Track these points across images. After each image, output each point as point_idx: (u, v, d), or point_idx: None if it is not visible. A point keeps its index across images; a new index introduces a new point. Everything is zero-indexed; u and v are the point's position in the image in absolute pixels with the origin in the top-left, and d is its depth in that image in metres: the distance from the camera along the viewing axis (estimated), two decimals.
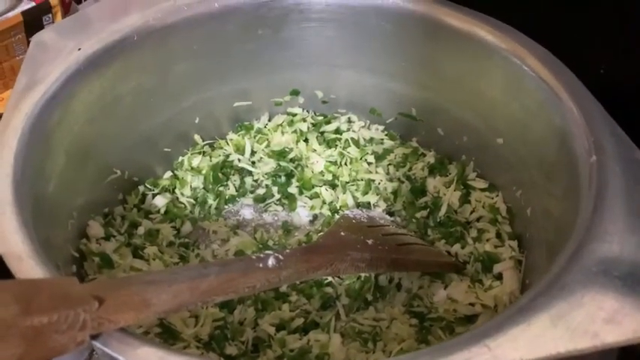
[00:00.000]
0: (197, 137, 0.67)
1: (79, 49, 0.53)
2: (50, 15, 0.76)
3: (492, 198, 0.60)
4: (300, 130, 0.68)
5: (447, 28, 0.58)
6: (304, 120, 0.69)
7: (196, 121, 0.66)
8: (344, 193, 0.64)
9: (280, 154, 0.66)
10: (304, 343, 0.50)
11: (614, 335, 0.33)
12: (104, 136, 0.57)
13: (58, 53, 0.52)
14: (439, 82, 0.62)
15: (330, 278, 0.55)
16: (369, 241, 0.52)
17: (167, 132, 0.64)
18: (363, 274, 0.55)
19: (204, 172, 0.65)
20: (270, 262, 0.41)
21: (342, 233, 0.52)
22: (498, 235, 0.58)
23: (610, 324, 0.33)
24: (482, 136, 0.61)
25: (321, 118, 0.70)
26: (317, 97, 0.69)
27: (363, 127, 0.70)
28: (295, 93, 0.69)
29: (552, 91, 0.50)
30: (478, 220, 0.60)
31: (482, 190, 0.61)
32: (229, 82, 0.66)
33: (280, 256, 0.42)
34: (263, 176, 0.66)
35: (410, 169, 0.65)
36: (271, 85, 0.68)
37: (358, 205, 0.63)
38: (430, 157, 0.65)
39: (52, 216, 0.48)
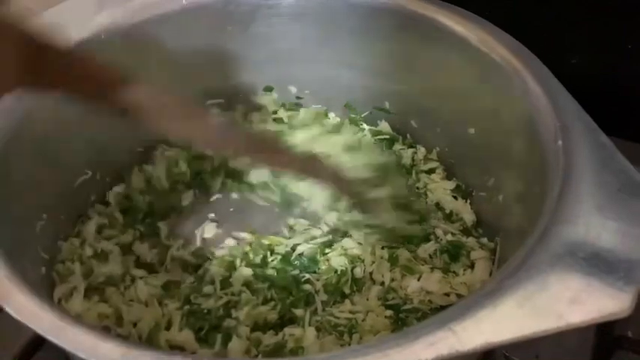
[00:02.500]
0: None
1: None
2: None
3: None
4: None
5: (416, 20, 0.58)
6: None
7: None
8: None
9: None
10: (279, 338, 0.49)
11: (578, 315, 0.33)
12: (73, 137, 0.56)
13: None
14: (411, 74, 0.62)
15: (307, 275, 0.55)
16: None
17: (139, 131, 0.63)
18: (339, 268, 0.54)
19: None
20: None
21: None
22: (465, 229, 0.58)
23: (575, 304, 0.34)
24: (454, 127, 0.61)
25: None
26: (291, 92, 0.69)
27: None
28: (269, 89, 0.69)
29: (520, 78, 0.51)
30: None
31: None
32: (201, 80, 0.65)
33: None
34: None
35: None
36: (244, 82, 0.68)
37: None
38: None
39: (19, 217, 0.48)
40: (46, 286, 0.51)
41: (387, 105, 0.67)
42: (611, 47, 0.66)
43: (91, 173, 0.59)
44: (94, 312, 0.50)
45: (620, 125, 0.60)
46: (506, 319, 0.33)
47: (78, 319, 0.45)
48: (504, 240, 0.54)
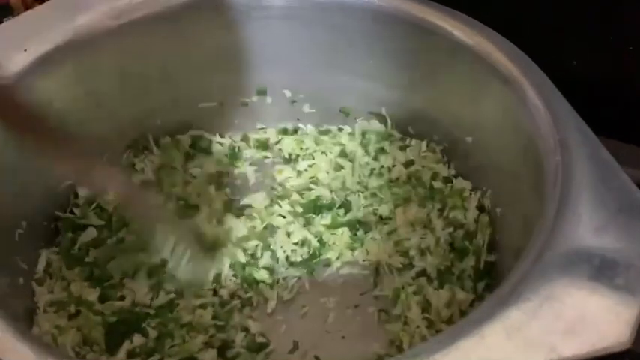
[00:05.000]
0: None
1: (25, 51, 0.51)
2: (11, 17, 0.74)
3: None
4: None
5: (413, 23, 0.56)
6: None
7: (158, 124, 0.64)
8: None
9: None
10: None
11: (572, 348, 0.31)
12: (57, 141, 0.54)
13: (3, 55, 0.50)
14: (407, 79, 0.60)
15: None
16: None
17: (126, 135, 0.62)
18: None
19: None
20: None
21: None
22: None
23: (568, 335, 0.32)
24: (451, 135, 0.59)
25: None
26: (285, 96, 0.67)
27: None
28: (262, 92, 0.67)
29: (519, 87, 0.48)
30: None
31: None
32: (192, 83, 0.63)
33: None
34: None
35: None
36: (237, 85, 0.66)
37: None
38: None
39: None
40: (23, 297, 0.49)
41: (383, 110, 0.65)
42: (613, 49, 0.64)
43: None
44: (72, 324, 0.48)
45: (622, 129, 0.58)
46: (495, 351, 0.31)
47: (50, 336, 0.44)
48: (502, 256, 0.52)
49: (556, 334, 0.32)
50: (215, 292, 0.53)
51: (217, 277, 0.54)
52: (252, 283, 0.54)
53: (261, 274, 0.54)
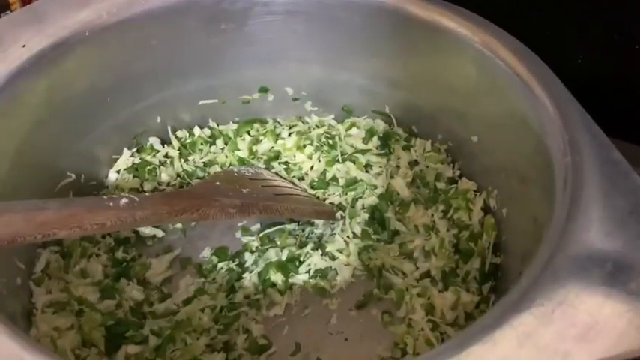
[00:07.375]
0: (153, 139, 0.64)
1: (24, 46, 0.49)
2: (8, 12, 0.73)
3: None
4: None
5: (417, 20, 0.55)
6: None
7: (158, 121, 0.63)
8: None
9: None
10: None
11: (585, 354, 0.30)
12: (55, 139, 0.53)
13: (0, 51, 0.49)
14: (411, 77, 0.59)
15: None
16: (244, 190, 0.52)
17: (126, 132, 0.61)
18: None
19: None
20: (123, 201, 0.41)
21: (217, 183, 0.52)
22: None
23: (581, 342, 0.31)
24: (456, 134, 0.58)
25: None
26: (287, 94, 0.66)
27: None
28: (264, 90, 0.66)
29: (526, 86, 0.47)
30: None
31: None
32: (193, 80, 0.62)
33: (135, 198, 0.42)
34: None
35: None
36: (238, 82, 0.65)
37: None
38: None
39: None
40: (21, 298, 0.48)
41: (387, 109, 0.64)
42: (618, 46, 0.63)
43: (75, 177, 0.56)
44: (70, 324, 0.48)
45: (628, 129, 0.57)
46: (506, 359, 0.30)
47: (49, 338, 0.43)
48: (506, 256, 0.52)
49: (569, 341, 0.31)
50: (228, 294, 0.52)
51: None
52: (268, 286, 0.53)
53: (277, 277, 0.53)
